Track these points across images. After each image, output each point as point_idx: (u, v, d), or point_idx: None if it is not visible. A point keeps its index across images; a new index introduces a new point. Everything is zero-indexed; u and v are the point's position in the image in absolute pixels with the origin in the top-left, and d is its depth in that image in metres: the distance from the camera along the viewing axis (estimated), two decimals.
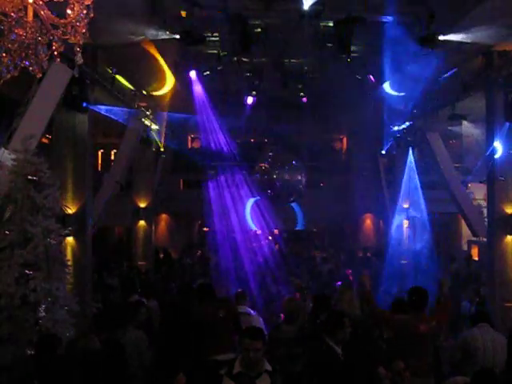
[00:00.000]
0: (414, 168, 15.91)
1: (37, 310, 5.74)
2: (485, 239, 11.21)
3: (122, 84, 11.06)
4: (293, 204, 18.05)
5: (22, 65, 3.41)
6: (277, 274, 14.06)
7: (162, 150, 15.81)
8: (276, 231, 22.97)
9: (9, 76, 3.42)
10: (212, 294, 6.70)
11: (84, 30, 3.41)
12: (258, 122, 15.94)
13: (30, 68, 3.45)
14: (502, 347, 5.57)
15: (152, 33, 8.72)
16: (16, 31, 3.24)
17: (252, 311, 7.58)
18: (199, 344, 5.64)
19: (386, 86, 12.00)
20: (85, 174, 9.45)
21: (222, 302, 6.72)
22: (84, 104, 8.84)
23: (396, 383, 4.60)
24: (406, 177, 16.49)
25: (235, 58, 10.54)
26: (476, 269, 14.01)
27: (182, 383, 3.59)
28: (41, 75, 3.64)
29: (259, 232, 23.80)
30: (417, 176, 15.71)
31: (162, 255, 17.42)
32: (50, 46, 3.44)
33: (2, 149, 6.73)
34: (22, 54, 3.36)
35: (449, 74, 10.48)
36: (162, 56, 10.27)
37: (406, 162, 16.72)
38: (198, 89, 12.35)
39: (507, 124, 9.48)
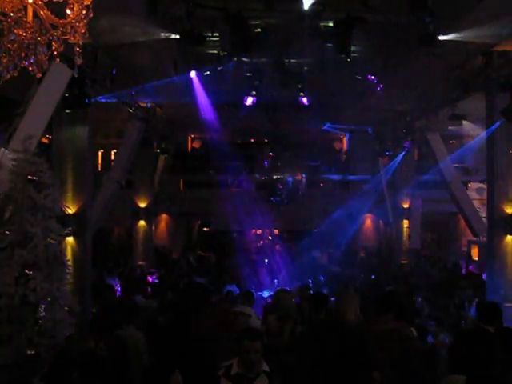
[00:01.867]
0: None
1: (37, 310, 5.74)
2: (485, 239, 11.21)
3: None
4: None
5: (22, 65, 3.41)
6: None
7: (161, 150, 15.83)
8: (276, 231, 22.99)
9: (9, 76, 3.42)
10: (208, 299, 6.40)
11: (84, 30, 3.41)
12: (257, 122, 15.94)
13: (30, 68, 3.45)
14: None
15: (152, 33, 8.72)
16: (16, 31, 3.24)
17: (253, 313, 7.54)
18: (198, 352, 5.52)
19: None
20: (85, 174, 9.44)
21: (224, 311, 6.42)
22: (86, 101, 8.82)
23: None
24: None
25: (235, 58, 10.54)
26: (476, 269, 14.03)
27: (178, 381, 3.58)
28: (41, 75, 3.64)
29: (259, 232, 23.84)
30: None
31: (160, 255, 17.38)
32: (49, 46, 3.44)
33: (2, 149, 6.73)
34: (21, 54, 3.36)
35: None
36: (162, 56, 10.28)
37: (406, 162, 16.78)
38: (198, 88, 12.35)
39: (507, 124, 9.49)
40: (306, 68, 11.93)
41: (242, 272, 14.44)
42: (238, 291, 10.15)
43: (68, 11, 3.35)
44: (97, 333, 5.79)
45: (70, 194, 9.17)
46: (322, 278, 13.49)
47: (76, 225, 8.82)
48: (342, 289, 6.75)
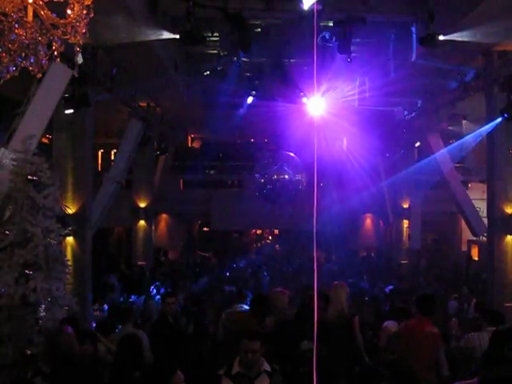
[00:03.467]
0: None
1: (37, 309, 5.74)
2: (485, 239, 11.21)
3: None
4: None
5: (22, 65, 3.41)
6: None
7: (161, 150, 15.82)
8: (276, 231, 23.01)
9: (9, 76, 3.42)
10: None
11: (84, 30, 3.41)
12: (258, 122, 15.93)
13: (30, 68, 3.45)
14: None
15: (152, 33, 8.73)
16: (16, 31, 3.24)
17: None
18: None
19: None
20: (85, 174, 9.45)
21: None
22: (86, 101, 8.83)
23: None
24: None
25: (235, 58, 10.55)
26: (475, 269, 14.02)
27: (180, 381, 3.57)
28: (41, 75, 3.64)
29: (259, 232, 23.86)
30: None
31: (162, 258, 17.33)
32: (50, 46, 3.44)
33: (2, 149, 6.73)
34: (21, 54, 3.35)
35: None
36: (162, 56, 10.28)
37: (406, 162, 16.76)
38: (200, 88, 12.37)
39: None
40: (305, 68, 11.96)
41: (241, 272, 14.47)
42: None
43: (68, 11, 3.34)
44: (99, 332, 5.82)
45: (69, 194, 9.17)
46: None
47: (76, 225, 8.81)
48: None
